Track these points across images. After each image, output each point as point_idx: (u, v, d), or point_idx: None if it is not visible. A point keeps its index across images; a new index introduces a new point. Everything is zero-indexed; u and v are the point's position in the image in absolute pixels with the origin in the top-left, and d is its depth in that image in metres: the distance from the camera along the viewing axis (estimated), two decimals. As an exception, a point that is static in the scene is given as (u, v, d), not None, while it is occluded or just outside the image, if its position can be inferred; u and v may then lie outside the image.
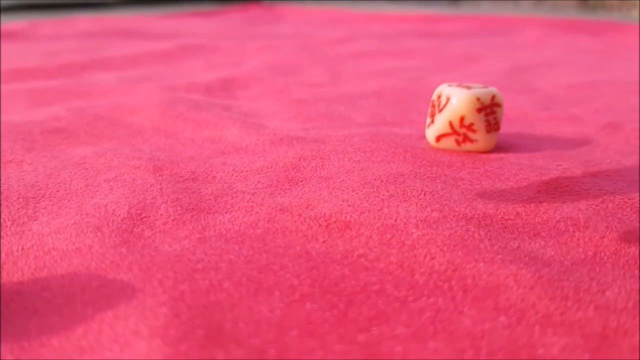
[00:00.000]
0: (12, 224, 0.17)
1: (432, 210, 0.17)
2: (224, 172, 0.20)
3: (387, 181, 0.19)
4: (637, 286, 0.13)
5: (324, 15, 0.93)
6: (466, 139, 0.23)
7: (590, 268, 0.14)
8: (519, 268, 0.14)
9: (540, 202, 0.18)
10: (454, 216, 0.16)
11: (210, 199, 0.18)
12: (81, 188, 0.19)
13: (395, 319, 0.12)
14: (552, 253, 0.15)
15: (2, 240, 0.16)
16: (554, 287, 0.13)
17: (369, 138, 0.24)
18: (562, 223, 0.16)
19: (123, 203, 0.18)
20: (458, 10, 1.16)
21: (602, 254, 0.15)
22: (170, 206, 0.18)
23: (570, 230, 0.16)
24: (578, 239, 0.16)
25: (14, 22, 0.73)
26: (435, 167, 0.21)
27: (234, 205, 0.18)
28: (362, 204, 0.17)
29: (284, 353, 0.11)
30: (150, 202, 0.18)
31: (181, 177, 0.20)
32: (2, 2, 0.94)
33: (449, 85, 0.23)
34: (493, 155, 0.22)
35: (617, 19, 0.95)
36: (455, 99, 0.22)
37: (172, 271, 0.14)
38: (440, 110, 0.23)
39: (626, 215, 0.17)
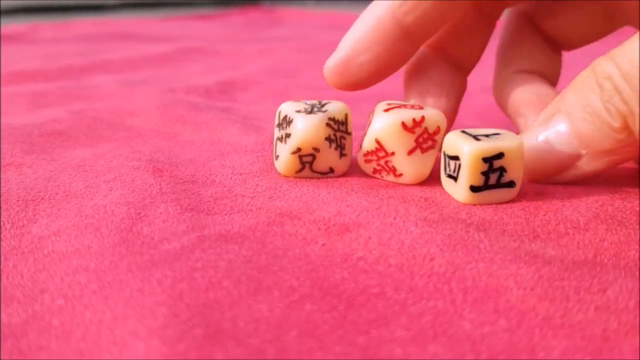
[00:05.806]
0: (11, 227, 0.17)
1: (431, 212, 0.17)
2: (223, 175, 0.20)
3: (386, 185, 0.19)
4: (638, 284, 0.13)
5: (324, 19, 0.93)
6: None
7: (591, 267, 0.14)
8: (519, 268, 0.14)
9: (540, 206, 0.18)
10: (452, 219, 0.16)
11: (209, 201, 0.18)
12: (80, 190, 0.19)
13: (395, 322, 0.12)
14: (553, 253, 0.15)
15: (1, 242, 0.16)
16: (554, 287, 0.13)
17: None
18: (561, 225, 0.16)
19: (122, 203, 0.18)
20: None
21: (602, 256, 0.15)
22: (170, 205, 0.17)
23: (570, 233, 0.16)
24: (578, 242, 0.16)
25: (14, 25, 0.73)
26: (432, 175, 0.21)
27: (234, 208, 0.18)
28: (361, 202, 0.17)
29: (283, 353, 0.11)
30: (150, 202, 0.18)
31: (181, 179, 0.20)
32: (2, 5, 0.94)
33: None
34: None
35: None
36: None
37: (171, 270, 0.14)
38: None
39: (626, 218, 0.17)
